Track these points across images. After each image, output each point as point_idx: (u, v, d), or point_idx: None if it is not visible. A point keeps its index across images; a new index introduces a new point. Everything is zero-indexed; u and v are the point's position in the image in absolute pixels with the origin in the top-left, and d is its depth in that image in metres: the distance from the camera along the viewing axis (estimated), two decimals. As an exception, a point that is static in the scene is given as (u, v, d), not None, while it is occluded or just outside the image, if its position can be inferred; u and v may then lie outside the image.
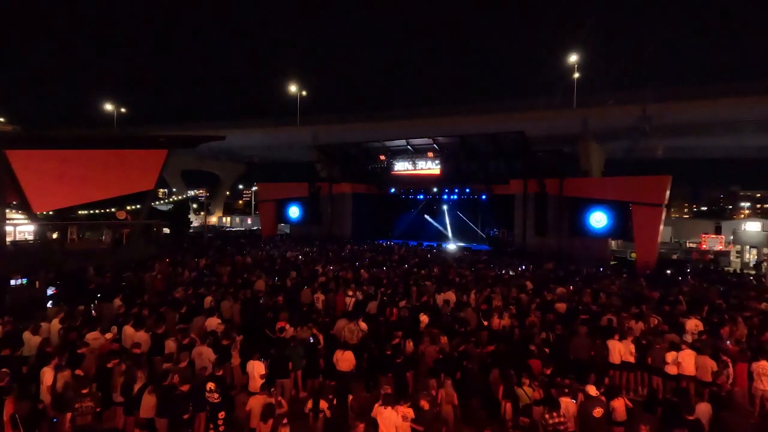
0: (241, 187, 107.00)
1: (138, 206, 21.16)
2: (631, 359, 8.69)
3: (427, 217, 37.13)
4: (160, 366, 7.46)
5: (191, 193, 64.32)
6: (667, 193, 24.46)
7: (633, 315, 10.83)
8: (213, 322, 9.63)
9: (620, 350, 8.71)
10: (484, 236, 33.96)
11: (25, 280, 12.88)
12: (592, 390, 6.45)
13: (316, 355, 8.59)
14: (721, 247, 31.22)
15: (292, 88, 46.36)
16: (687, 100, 31.07)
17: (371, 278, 16.15)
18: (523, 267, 21.06)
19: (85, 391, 6.24)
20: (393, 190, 34.82)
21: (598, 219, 26.46)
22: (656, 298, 13.71)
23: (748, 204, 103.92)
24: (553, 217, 27.49)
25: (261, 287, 13.88)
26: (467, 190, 32.12)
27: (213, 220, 63.96)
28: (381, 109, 44.04)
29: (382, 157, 33.17)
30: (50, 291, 13.09)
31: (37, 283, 12.88)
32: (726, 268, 25.95)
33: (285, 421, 5.77)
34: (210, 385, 6.61)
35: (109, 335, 8.65)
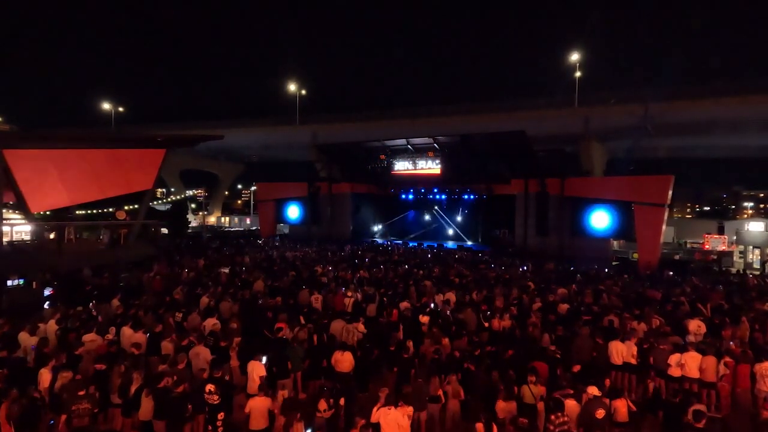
0: (239, 186, 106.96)
1: (136, 206, 21.17)
2: (633, 361, 8.69)
3: (427, 217, 37.14)
4: (156, 367, 7.46)
5: (190, 192, 64.41)
6: (670, 192, 24.46)
7: (635, 316, 10.83)
8: (210, 323, 9.63)
9: (622, 351, 8.70)
10: (484, 236, 33.96)
11: (21, 281, 12.89)
12: (593, 391, 6.46)
13: (316, 356, 8.59)
14: (724, 248, 31.21)
15: (292, 87, 46.32)
16: (689, 99, 31.03)
17: (371, 279, 16.15)
18: (525, 267, 21.06)
19: (82, 393, 6.23)
20: (393, 190, 34.81)
21: (600, 219, 26.45)
22: (658, 299, 13.71)
23: (751, 204, 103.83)
24: (554, 217, 27.49)
25: (260, 288, 13.89)
26: (468, 190, 32.12)
27: (211, 220, 63.97)
28: (381, 108, 43.90)
29: (382, 157, 33.17)
30: (47, 292, 13.09)
31: (34, 283, 12.89)
32: (729, 269, 25.93)
33: (299, 416, 5.83)
34: (209, 387, 6.61)
35: (109, 336, 8.66)
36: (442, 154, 31.29)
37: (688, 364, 8.17)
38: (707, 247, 31.87)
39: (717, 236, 33.73)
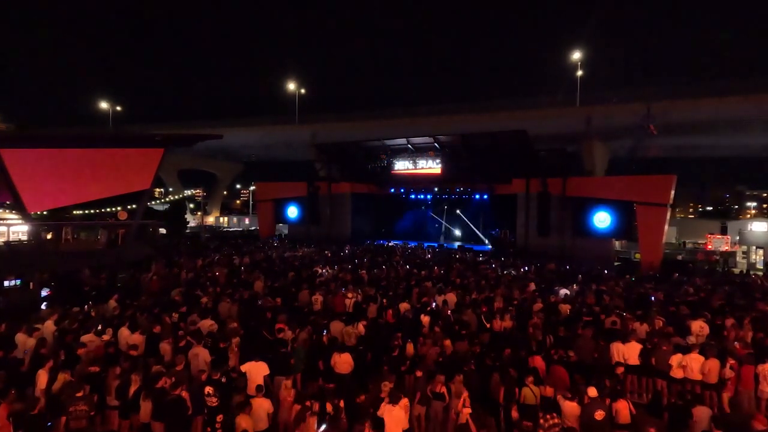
0: (238, 186, 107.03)
1: (134, 206, 21.19)
2: (636, 362, 8.68)
3: (427, 217, 37.13)
4: (154, 369, 7.45)
5: (188, 192, 64.39)
6: (672, 192, 24.47)
7: (637, 317, 10.83)
8: (207, 324, 9.63)
9: (624, 353, 8.71)
10: (485, 236, 33.96)
11: (18, 282, 12.89)
12: (593, 392, 6.46)
13: (315, 357, 8.59)
14: (727, 248, 31.21)
15: (291, 86, 46.35)
16: (692, 98, 31.04)
17: (371, 279, 16.16)
18: (526, 268, 21.06)
19: (79, 395, 6.23)
20: (393, 189, 34.81)
21: (602, 219, 26.46)
22: (661, 300, 13.72)
23: (754, 204, 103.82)
24: (555, 217, 27.49)
25: (259, 288, 13.89)
26: (468, 190, 32.12)
27: (210, 220, 63.97)
28: (381, 108, 44.08)
29: (382, 157, 33.17)
30: (44, 292, 13.09)
31: (31, 284, 12.88)
32: (732, 269, 25.94)
33: (316, 408, 5.94)
34: (208, 389, 6.61)
35: (106, 337, 8.65)
36: (442, 154, 31.28)
37: (691, 365, 8.17)
38: (710, 247, 31.88)
39: (720, 236, 33.74)
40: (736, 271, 25.28)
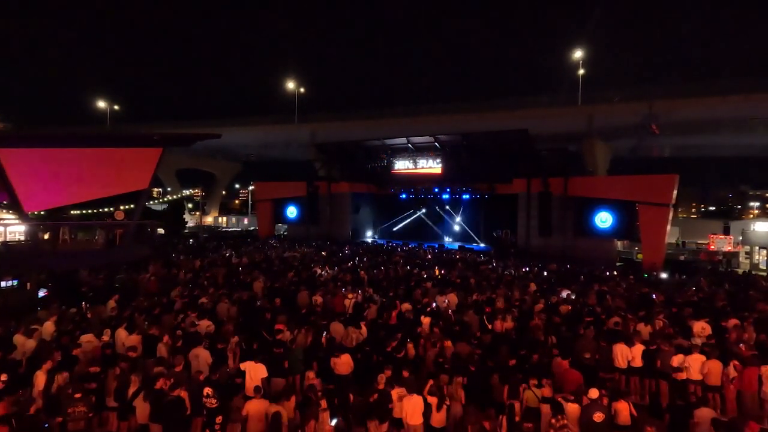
0: (237, 186, 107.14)
1: (132, 206, 21.18)
2: (638, 363, 8.68)
3: (428, 217, 37.14)
4: (153, 370, 7.46)
5: (186, 192, 64.41)
6: (675, 192, 24.48)
7: (639, 318, 10.83)
8: (204, 324, 9.63)
9: (626, 354, 8.70)
10: (486, 237, 33.97)
11: (15, 282, 12.89)
12: (592, 393, 6.47)
13: (313, 358, 8.59)
14: (729, 248, 31.22)
15: (290, 85, 46.37)
16: (695, 97, 31.07)
17: (371, 280, 16.15)
18: (527, 268, 21.07)
19: (78, 396, 6.23)
20: (393, 189, 34.82)
21: (604, 219, 26.48)
22: (663, 300, 13.72)
23: (757, 204, 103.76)
24: (557, 217, 27.50)
25: (258, 289, 13.89)
26: (469, 190, 32.12)
27: (209, 220, 63.97)
28: (381, 107, 44.10)
29: (383, 156, 33.17)
30: (42, 293, 13.09)
31: (28, 284, 12.88)
32: (735, 270, 25.95)
33: (324, 405, 6.06)
34: (207, 390, 6.61)
35: (104, 338, 8.65)
36: (443, 153, 31.30)
37: (693, 366, 8.17)
38: (713, 247, 31.88)
39: (722, 236, 33.75)
40: (739, 271, 25.29)
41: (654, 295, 14.33)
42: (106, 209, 34.18)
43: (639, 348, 8.78)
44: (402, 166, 32.95)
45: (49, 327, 9.08)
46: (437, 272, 18.45)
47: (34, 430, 5.83)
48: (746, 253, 30.99)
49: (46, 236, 16.53)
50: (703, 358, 8.21)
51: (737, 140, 39.20)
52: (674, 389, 8.21)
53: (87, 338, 8.40)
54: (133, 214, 18.71)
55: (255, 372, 7.37)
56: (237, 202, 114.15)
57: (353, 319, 10.58)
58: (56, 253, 14.94)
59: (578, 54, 36.71)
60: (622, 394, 6.94)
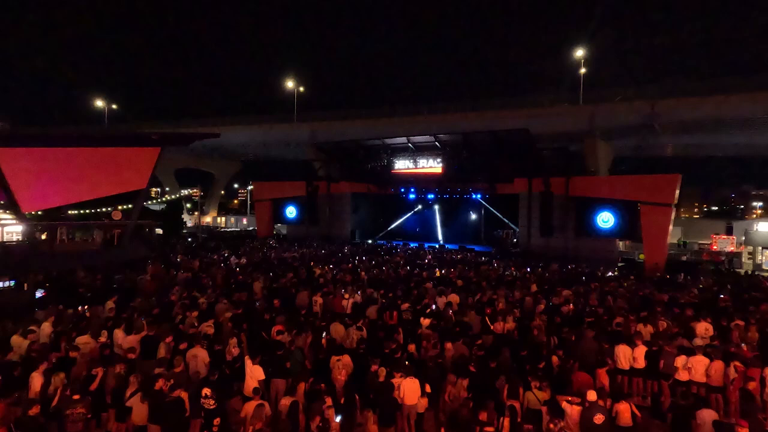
0: (236, 186, 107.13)
1: (130, 206, 21.15)
2: (641, 364, 8.68)
3: (428, 217, 37.14)
4: (151, 371, 7.45)
5: (185, 192, 64.32)
6: (677, 192, 24.49)
7: (641, 318, 10.83)
8: (204, 325, 9.63)
9: (629, 355, 8.70)
10: (487, 237, 33.98)
11: (12, 283, 12.88)
12: (592, 395, 6.47)
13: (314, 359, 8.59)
14: (732, 248, 31.21)
15: (289, 84, 46.36)
16: (697, 96, 31.05)
17: (371, 280, 16.16)
18: (528, 268, 21.08)
19: (76, 397, 6.23)
20: (393, 189, 34.83)
21: (606, 219, 26.49)
22: (665, 301, 13.72)
23: (760, 204, 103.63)
24: (558, 217, 27.52)
25: (258, 290, 13.89)
26: (470, 190, 32.13)
27: (207, 220, 63.96)
28: (381, 106, 43.95)
29: (383, 156, 33.16)
30: (39, 294, 13.08)
31: (25, 285, 12.87)
32: (738, 270, 25.96)
33: (329, 402, 6.23)
34: (205, 391, 6.60)
35: (102, 339, 8.65)
36: (443, 153, 31.31)
37: (695, 367, 8.17)
38: (715, 247, 31.88)
39: (725, 237, 33.76)
40: (741, 271, 25.30)
41: (656, 296, 14.33)
42: (103, 209, 34.17)
43: (641, 349, 8.78)
44: (402, 165, 32.95)
45: (46, 328, 9.07)
46: (438, 273, 18.46)
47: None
48: (749, 253, 30.99)
49: (44, 236, 16.50)
50: (706, 359, 8.21)
51: (740, 139, 39.16)
52: (677, 390, 8.22)
53: (84, 339, 8.38)
54: (131, 214, 18.70)
55: (254, 373, 7.37)
56: (236, 202, 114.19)
57: (352, 319, 10.58)
58: (54, 254, 14.90)
59: (579, 53, 36.70)
60: (624, 396, 6.94)
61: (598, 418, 6.22)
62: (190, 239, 35.81)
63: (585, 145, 37.26)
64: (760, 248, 30.29)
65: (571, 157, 32.16)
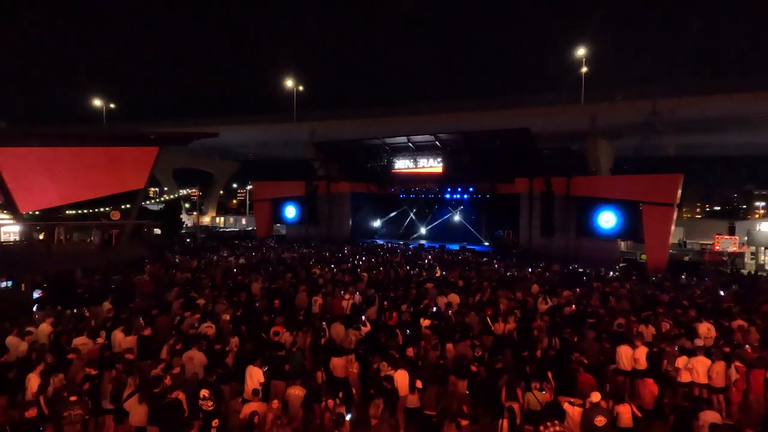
0: (235, 185, 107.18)
1: (128, 206, 21.16)
2: (642, 365, 8.68)
3: (428, 217, 37.14)
4: (149, 372, 7.45)
5: (183, 192, 64.32)
6: (679, 192, 24.48)
7: (643, 319, 10.83)
8: (203, 326, 9.63)
9: (630, 356, 8.70)
10: (487, 237, 33.97)
11: (10, 283, 12.88)
12: (594, 397, 6.46)
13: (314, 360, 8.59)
14: (735, 249, 31.19)
15: (289, 83, 46.35)
16: (699, 95, 31.05)
17: (370, 281, 16.15)
18: (530, 269, 21.07)
19: (73, 399, 6.22)
20: (393, 189, 34.82)
21: (607, 219, 26.47)
22: (667, 301, 13.72)
23: (763, 203, 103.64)
24: (559, 217, 27.51)
25: (256, 290, 13.89)
26: (470, 189, 32.12)
27: (206, 220, 63.93)
28: (381, 105, 43.98)
29: (382, 155, 33.15)
30: (36, 294, 13.08)
31: (22, 285, 12.87)
32: (741, 270, 25.94)
33: (342, 395, 6.51)
34: (203, 392, 6.60)
35: (99, 340, 8.64)
36: (444, 152, 31.29)
37: (697, 368, 8.16)
38: (717, 248, 31.85)
39: (728, 237, 33.72)
40: (744, 272, 25.28)
41: (659, 297, 14.33)
42: (102, 209, 34.17)
43: (643, 350, 8.76)
44: (402, 165, 32.94)
45: (45, 329, 9.06)
46: (438, 273, 18.45)
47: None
48: (752, 253, 30.96)
49: (41, 236, 16.51)
50: (707, 360, 8.21)
51: (742, 139, 39.20)
52: (678, 392, 8.21)
53: (81, 340, 8.37)
54: (129, 214, 18.70)
55: (253, 375, 7.37)
56: (235, 201, 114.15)
57: (351, 320, 10.59)
58: (51, 254, 14.90)
59: (581, 52, 36.69)
60: (622, 397, 6.94)
61: (600, 420, 6.22)
62: (188, 239, 35.80)
63: (586, 145, 37.26)
64: (762, 248, 30.25)
65: (572, 156, 32.23)
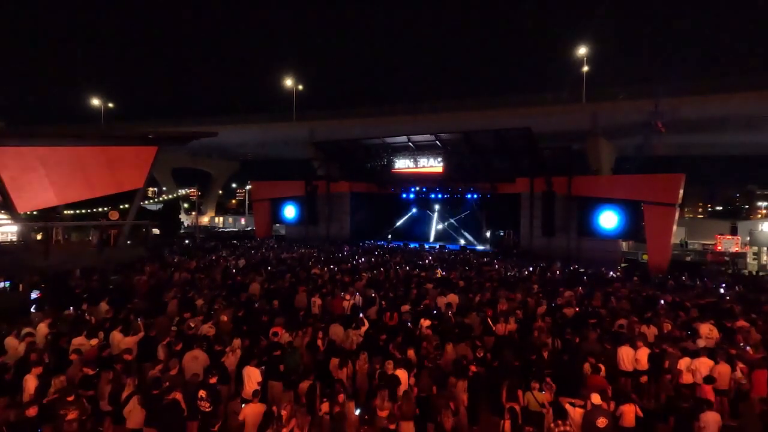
0: (234, 185, 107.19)
1: (126, 206, 21.18)
2: (643, 366, 8.68)
3: (429, 217, 37.13)
4: (148, 373, 7.45)
5: (182, 192, 64.32)
6: (681, 192, 24.47)
7: (645, 320, 10.82)
8: (204, 327, 9.63)
9: (632, 357, 8.70)
10: (488, 237, 33.96)
11: (7, 284, 12.87)
12: (595, 398, 6.47)
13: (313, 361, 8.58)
14: (737, 249, 31.17)
15: (288, 82, 46.36)
16: (702, 94, 31.05)
17: (370, 281, 16.15)
18: (530, 269, 21.07)
19: (71, 399, 6.22)
20: (393, 189, 34.81)
21: (608, 219, 26.46)
22: (668, 302, 13.72)
23: (765, 203, 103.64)
24: (560, 217, 27.51)
25: (256, 291, 13.88)
26: (471, 189, 32.11)
27: (205, 220, 63.95)
28: (381, 104, 44.00)
29: (383, 155, 33.15)
30: (34, 295, 13.07)
31: (20, 286, 12.87)
32: (742, 271, 25.94)
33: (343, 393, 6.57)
34: (201, 393, 6.61)
35: (94, 341, 8.63)
36: (444, 152, 31.29)
37: (700, 370, 8.16)
38: (720, 248, 31.84)
39: (730, 237, 33.72)
40: (745, 272, 25.27)
41: (662, 299, 14.32)
42: (100, 209, 34.15)
43: (644, 351, 8.77)
44: (402, 165, 32.93)
45: (42, 329, 9.05)
46: (439, 273, 18.45)
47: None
48: (754, 254, 30.94)
49: (39, 237, 16.52)
50: (710, 361, 8.20)
51: (745, 138, 39.18)
52: (680, 393, 8.21)
53: (79, 341, 8.37)
54: (127, 214, 18.70)
55: (251, 376, 7.36)
56: (234, 201, 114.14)
57: (351, 320, 10.58)
58: (49, 254, 14.91)
59: (582, 51, 36.70)
60: (629, 397, 6.94)
61: (601, 422, 6.22)
62: (187, 240, 35.81)
63: (588, 144, 37.27)
64: (765, 249, 30.23)
65: (573, 156, 32.13)
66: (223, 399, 7.27)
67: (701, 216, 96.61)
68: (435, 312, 11.86)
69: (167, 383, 6.63)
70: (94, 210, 36.53)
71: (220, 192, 78.31)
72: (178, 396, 6.41)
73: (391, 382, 7.14)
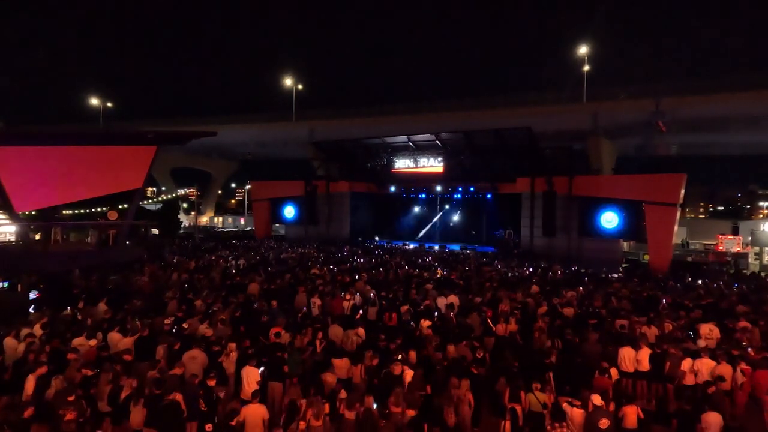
0: (233, 185, 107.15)
1: (125, 206, 21.18)
2: (645, 367, 8.67)
3: (429, 217, 37.12)
4: (147, 374, 7.44)
5: (181, 191, 64.34)
6: (682, 191, 24.46)
7: (646, 320, 10.81)
8: (202, 327, 9.63)
9: (633, 357, 8.69)
10: (489, 237, 33.95)
11: (6, 284, 12.87)
12: (597, 400, 6.46)
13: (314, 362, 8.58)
14: (738, 249, 31.19)
15: (288, 82, 46.37)
16: (703, 93, 31.04)
17: (370, 281, 16.14)
18: (531, 269, 21.06)
19: (71, 399, 6.22)
20: (393, 188, 34.80)
21: (609, 219, 26.46)
22: (669, 302, 13.71)
23: (767, 203, 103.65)
24: (561, 217, 27.49)
25: (255, 291, 13.88)
26: (471, 189, 32.10)
27: (204, 220, 63.99)
28: (381, 104, 43.97)
29: (382, 154, 33.13)
30: (33, 295, 13.07)
31: (19, 286, 12.87)
32: (744, 271, 25.94)
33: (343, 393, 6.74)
34: (201, 393, 6.60)
35: (93, 341, 8.63)
36: (444, 152, 31.27)
37: (702, 371, 8.15)
38: (721, 248, 31.85)
39: (731, 237, 33.74)
40: (747, 272, 25.27)
41: (664, 299, 14.31)
42: (99, 209, 34.17)
43: (646, 351, 8.76)
44: (402, 164, 32.92)
45: (39, 330, 9.04)
46: (439, 273, 18.44)
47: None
48: (755, 254, 30.94)
49: (38, 237, 16.52)
50: (712, 362, 8.19)
51: (746, 138, 39.20)
52: (682, 393, 8.21)
53: (78, 341, 8.37)
54: (126, 214, 18.70)
55: (250, 376, 7.36)
56: (233, 201, 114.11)
57: (351, 321, 10.58)
58: (48, 254, 14.92)
59: (583, 50, 36.70)
60: (631, 398, 6.93)
61: (603, 423, 6.21)
62: (186, 240, 35.81)
63: (588, 144, 37.28)
64: (766, 249, 30.24)
65: (574, 156, 32.11)
66: (222, 400, 7.26)
67: (702, 216, 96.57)
68: (435, 312, 11.86)
69: (166, 384, 6.63)
70: (93, 210, 36.57)
71: (220, 192, 78.34)
72: (179, 397, 6.41)
73: (397, 383, 7.16)
